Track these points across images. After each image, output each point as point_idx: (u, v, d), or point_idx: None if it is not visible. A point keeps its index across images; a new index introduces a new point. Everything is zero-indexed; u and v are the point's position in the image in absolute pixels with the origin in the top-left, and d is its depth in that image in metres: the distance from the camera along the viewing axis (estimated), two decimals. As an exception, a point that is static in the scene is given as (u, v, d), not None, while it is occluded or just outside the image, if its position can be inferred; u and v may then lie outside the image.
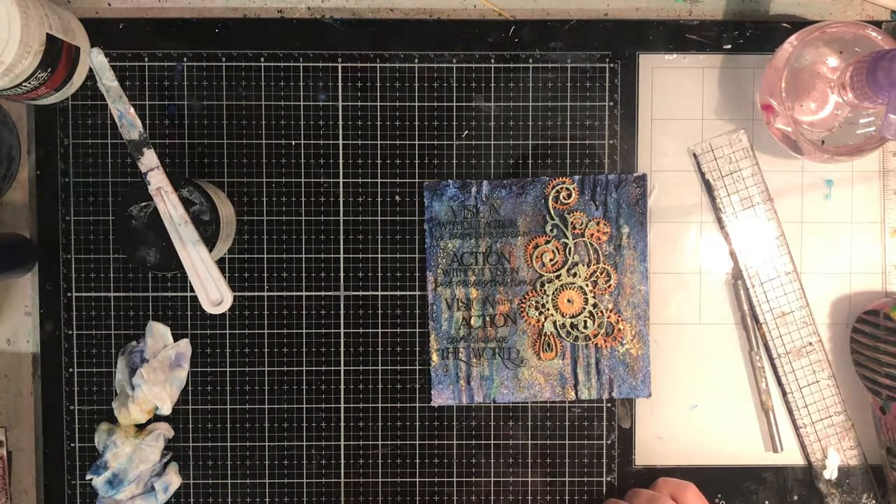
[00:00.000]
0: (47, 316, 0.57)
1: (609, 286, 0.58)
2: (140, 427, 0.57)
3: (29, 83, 0.51)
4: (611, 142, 0.58)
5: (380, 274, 0.58)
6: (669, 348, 0.59)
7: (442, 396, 0.58)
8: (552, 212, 0.57)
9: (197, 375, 0.58)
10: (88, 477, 0.56)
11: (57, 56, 0.52)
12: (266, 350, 0.58)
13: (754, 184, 0.58)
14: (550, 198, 0.57)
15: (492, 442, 0.58)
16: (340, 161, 0.58)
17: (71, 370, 0.58)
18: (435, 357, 0.58)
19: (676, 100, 0.58)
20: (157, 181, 0.51)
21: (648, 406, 0.59)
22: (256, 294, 0.58)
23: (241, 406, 0.58)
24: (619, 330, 0.58)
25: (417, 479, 0.58)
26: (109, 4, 0.58)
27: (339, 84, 0.57)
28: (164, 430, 0.57)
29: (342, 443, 0.58)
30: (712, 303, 0.59)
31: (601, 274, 0.58)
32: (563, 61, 0.57)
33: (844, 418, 0.58)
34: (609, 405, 0.58)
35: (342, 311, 0.58)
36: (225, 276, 0.55)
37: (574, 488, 0.58)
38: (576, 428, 0.58)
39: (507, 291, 0.58)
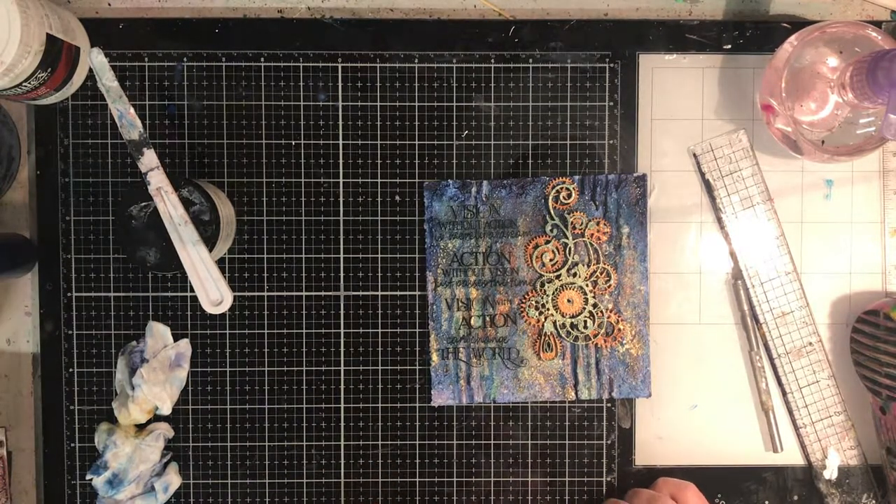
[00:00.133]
0: (47, 316, 0.57)
1: (609, 286, 0.58)
2: (140, 427, 0.57)
3: (29, 83, 0.51)
4: (611, 142, 0.58)
5: (380, 274, 0.58)
6: (669, 348, 0.59)
7: (442, 396, 0.58)
8: (552, 212, 0.57)
9: (197, 375, 0.58)
10: (88, 477, 0.56)
11: (57, 56, 0.52)
12: (266, 350, 0.58)
13: (754, 184, 0.58)
14: (550, 198, 0.57)
15: (492, 442, 0.58)
16: (340, 161, 0.58)
17: (71, 370, 0.58)
18: (435, 357, 0.58)
19: (676, 100, 0.58)
20: (157, 181, 0.51)
21: (648, 406, 0.59)
22: (256, 294, 0.58)
23: (241, 406, 0.58)
24: (619, 330, 0.58)
25: (417, 479, 0.58)
26: (109, 4, 0.58)
27: (339, 84, 0.57)
28: (164, 430, 0.57)
29: (342, 443, 0.58)
30: (712, 303, 0.59)
31: (601, 274, 0.58)
32: (563, 61, 0.57)
33: (844, 418, 0.58)
34: (609, 405, 0.58)
35: (342, 311, 0.58)
36: (225, 276, 0.55)
37: (574, 488, 0.58)
38: (576, 428, 0.58)
39: (507, 291, 0.58)
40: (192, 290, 0.58)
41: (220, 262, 0.57)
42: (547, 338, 0.58)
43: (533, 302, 0.58)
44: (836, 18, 0.58)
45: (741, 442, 0.59)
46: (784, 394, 0.58)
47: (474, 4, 0.58)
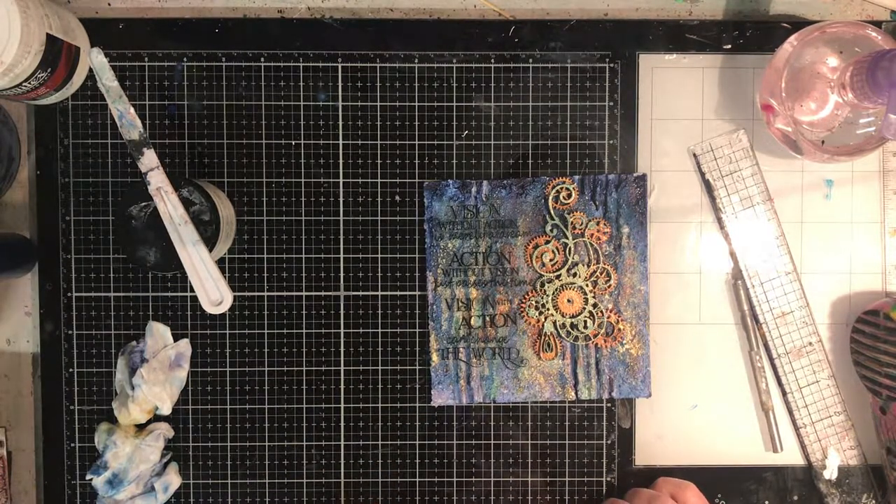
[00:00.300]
0: (47, 316, 0.57)
1: (609, 286, 0.58)
2: (140, 427, 0.57)
3: (29, 83, 0.51)
4: (611, 142, 0.58)
5: (380, 274, 0.58)
6: (669, 348, 0.59)
7: (442, 396, 0.58)
8: (552, 212, 0.57)
9: (197, 375, 0.58)
10: (88, 477, 0.56)
11: (57, 56, 0.52)
12: (266, 350, 0.58)
13: (754, 184, 0.58)
14: (550, 198, 0.57)
15: (492, 442, 0.58)
16: (340, 161, 0.58)
17: (71, 370, 0.58)
18: (435, 357, 0.58)
19: (676, 100, 0.58)
20: (157, 181, 0.51)
21: (648, 406, 0.59)
22: (256, 294, 0.58)
23: (241, 406, 0.58)
24: (619, 330, 0.58)
25: (417, 479, 0.58)
26: (109, 4, 0.58)
27: (339, 84, 0.57)
28: (164, 430, 0.57)
29: (342, 443, 0.58)
30: (712, 303, 0.59)
31: (601, 274, 0.58)
32: (563, 61, 0.57)
33: (844, 418, 0.58)
34: (609, 405, 0.58)
35: (342, 311, 0.58)
36: (225, 276, 0.55)
37: (574, 488, 0.58)
38: (576, 428, 0.58)
39: (507, 291, 0.58)
40: (192, 290, 0.58)
41: (220, 262, 0.57)
42: (547, 338, 0.58)
43: (533, 302, 0.58)
44: (836, 18, 0.58)
45: (741, 442, 0.59)
46: (784, 394, 0.58)
47: (474, 4, 0.58)
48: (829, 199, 0.59)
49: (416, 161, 0.58)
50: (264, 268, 0.58)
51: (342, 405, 0.58)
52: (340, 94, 0.57)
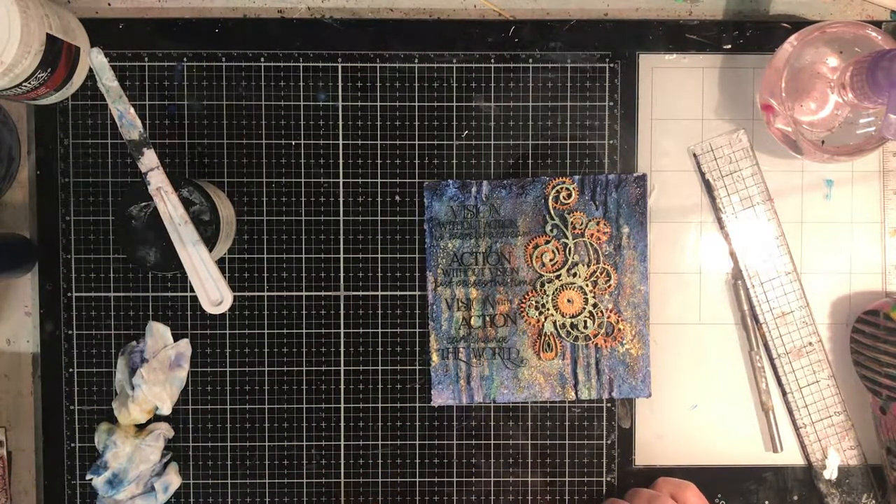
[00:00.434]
0: (47, 316, 0.57)
1: (609, 286, 0.58)
2: (140, 427, 0.57)
3: (29, 83, 0.51)
4: (611, 142, 0.58)
5: (380, 274, 0.58)
6: (669, 348, 0.59)
7: (442, 396, 0.58)
8: (552, 212, 0.57)
9: (197, 375, 0.58)
10: (88, 477, 0.56)
11: (57, 56, 0.52)
12: (266, 350, 0.58)
13: (754, 184, 0.58)
14: (550, 198, 0.57)
15: (492, 442, 0.58)
16: (340, 161, 0.58)
17: (71, 370, 0.58)
18: (435, 357, 0.58)
19: (676, 100, 0.58)
20: (157, 181, 0.51)
21: (648, 406, 0.59)
22: (256, 294, 0.58)
23: (241, 406, 0.58)
24: (619, 330, 0.58)
25: (417, 479, 0.58)
26: (109, 4, 0.58)
27: (339, 84, 0.57)
28: (164, 430, 0.57)
29: (342, 443, 0.58)
30: (712, 303, 0.59)
31: (601, 274, 0.58)
32: (563, 61, 0.57)
33: (844, 418, 0.58)
34: (609, 405, 0.58)
35: (342, 311, 0.58)
36: (225, 276, 0.55)
37: (574, 488, 0.58)
38: (576, 428, 0.58)
39: (507, 291, 0.58)
40: (192, 290, 0.58)
41: (220, 262, 0.57)
42: (547, 338, 0.58)
43: (533, 302, 0.58)
44: (836, 18, 0.58)
45: (741, 442, 0.59)
46: (784, 394, 0.58)
47: (474, 4, 0.58)
48: (829, 199, 0.59)
49: (416, 161, 0.58)
50: (264, 268, 0.58)
51: (342, 405, 0.58)
52: (340, 94, 0.57)
